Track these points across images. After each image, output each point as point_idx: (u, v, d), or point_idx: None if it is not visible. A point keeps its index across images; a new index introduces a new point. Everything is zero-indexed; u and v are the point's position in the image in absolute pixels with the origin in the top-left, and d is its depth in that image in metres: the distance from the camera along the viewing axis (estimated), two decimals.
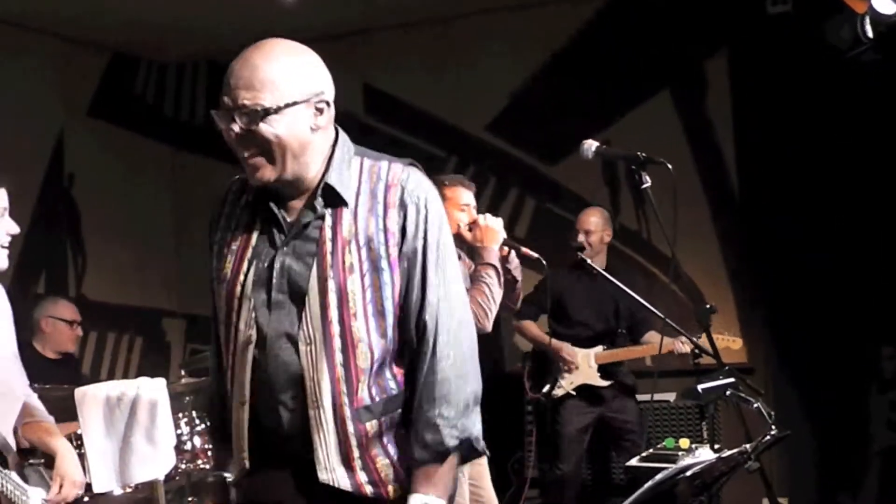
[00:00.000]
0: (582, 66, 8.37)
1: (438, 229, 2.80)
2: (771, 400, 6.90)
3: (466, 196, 5.57)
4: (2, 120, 8.07)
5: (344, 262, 2.71)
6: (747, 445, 3.82)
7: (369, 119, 9.00)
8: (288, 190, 2.79)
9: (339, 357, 2.71)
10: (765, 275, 7.77)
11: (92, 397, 5.28)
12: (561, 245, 7.94)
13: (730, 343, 6.67)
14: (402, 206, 2.76)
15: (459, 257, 5.59)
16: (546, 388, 7.00)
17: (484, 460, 5.61)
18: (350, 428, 2.72)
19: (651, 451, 4.96)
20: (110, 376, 8.70)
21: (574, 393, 7.05)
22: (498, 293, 5.35)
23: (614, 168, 8.18)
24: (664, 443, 5.00)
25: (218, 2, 8.01)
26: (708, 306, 4.43)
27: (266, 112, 2.72)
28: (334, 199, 2.77)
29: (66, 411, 5.84)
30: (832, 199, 7.40)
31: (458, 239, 5.52)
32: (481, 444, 2.84)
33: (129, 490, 5.16)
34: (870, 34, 6.02)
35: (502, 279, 5.41)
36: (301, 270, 2.73)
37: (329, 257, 2.72)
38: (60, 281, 8.60)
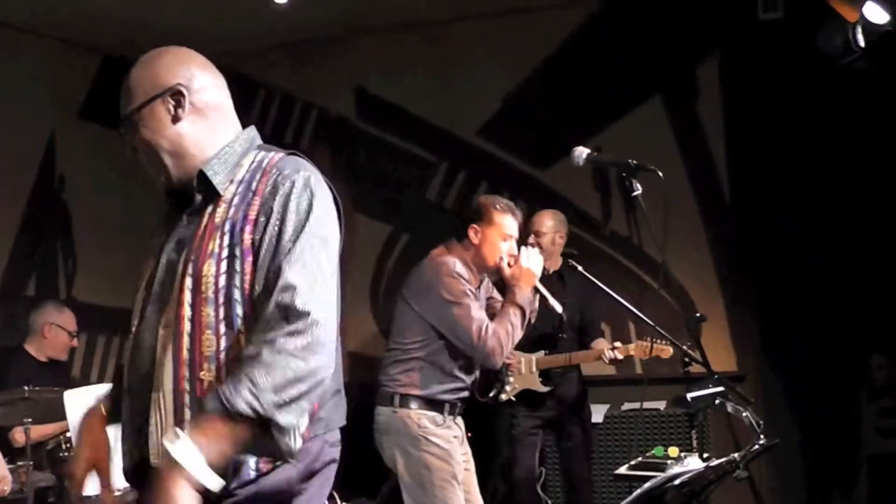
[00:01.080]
0: (574, 72, 8.37)
1: (305, 214, 2.69)
2: (761, 408, 6.90)
3: (512, 226, 5.52)
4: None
5: (206, 249, 2.69)
6: (736, 454, 3.83)
7: (361, 123, 8.99)
8: (189, 187, 2.82)
9: (186, 341, 2.67)
10: (755, 281, 7.77)
11: (81, 400, 5.28)
12: None
13: (659, 351, 6.57)
14: (273, 192, 2.70)
15: (479, 285, 5.61)
16: (493, 393, 6.89)
17: (472, 466, 5.61)
18: (187, 415, 2.63)
19: (640, 459, 4.96)
20: (100, 379, 8.70)
21: (514, 399, 6.96)
22: (518, 334, 5.35)
23: (605, 173, 8.18)
24: (653, 451, 5.01)
25: (211, 4, 8.00)
26: (697, 315, 4.44)
27: (129, 118, 2.81)
28: (209, 189, 2.78)
29: (54, 413, 5.85)
30: (823, 205, 7.41)
31: (496, 270, 5.51)
32: (284, 443, 2.59)
33: (116, 493, 5.15)
34: (861, 42, 6.02)
35: (526, 322, 5.41)
36: (175, 259, 2.76)
37: (197, 243, 2.72)
38: (51, 283, 8.58)
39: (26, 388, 5.94)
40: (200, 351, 2.65)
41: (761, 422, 3.80)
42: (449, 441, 5.37)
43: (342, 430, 2.93)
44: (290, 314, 2.56)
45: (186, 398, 2.65)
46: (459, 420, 5.59)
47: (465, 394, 5.54)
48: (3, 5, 7.63)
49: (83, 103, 8.96)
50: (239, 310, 2.66)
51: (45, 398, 5.96)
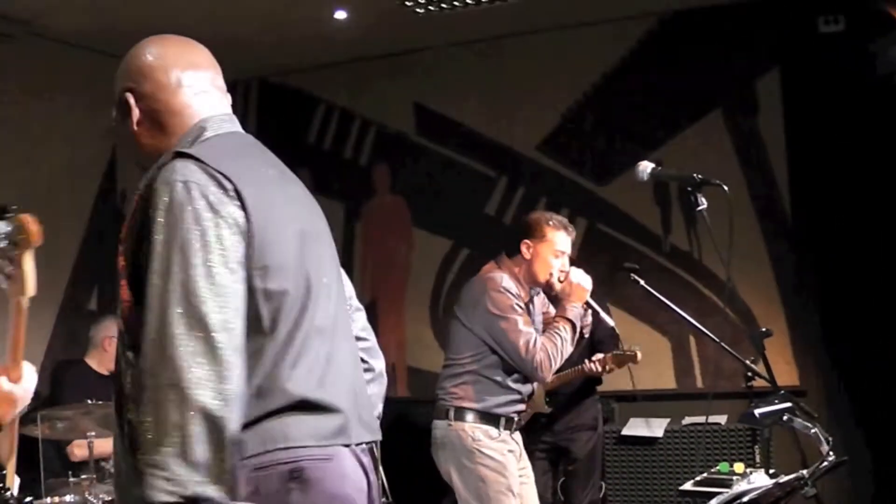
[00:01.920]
0: (633, 86, 8.35)
1: (172, 227, 2.37)
2: (824, 423, 6.83)
3: (564, 242, 5.62)
4: (56, 138, 8.15)
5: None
6: (804, 471, 3.79)
7: (420, 139, 9.01)
8: None
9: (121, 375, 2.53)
10: (817, 296, 7.70)
11: None
12: (612, 265, 7.95)
13: (629, 358, 6.50)
14: (142, 207, 2.47)
15: (531, 300, 5.62)
16: None
17: (530, 481, 5.61)
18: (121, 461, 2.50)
19: (706, 475, 4.92)
20: None
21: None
22: (568, 349, 5.44)
23: (665, 188, 8.15)
24: (718, 467, 4.98)
25: (270, 20, 8.05)
26: (763, 330, 4.39)
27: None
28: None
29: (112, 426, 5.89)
30: (885, 220, 7.34)
31: (547, 286, 5.57)
32: None
33: None
34: None
35: (576, 337, 5.45)
36: None
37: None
38: (112, 298, 8.64)
39: (89, 401, 5.98)
40: (122, 385, 2.48)
41: (830, 438, 3.76)
42: (503, 454, 5.43)
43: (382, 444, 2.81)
44: (146, 348, 2.32)
45: (119, 442, 2.51)
46: (517, 435, 5.62)
47: (521, 406, 5.59)
48: (64, 22, 7.71)
49: None
50: (122, 326, 2.51)
51: (106, 412, 5.99)
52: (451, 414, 5.47)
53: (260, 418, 2.41)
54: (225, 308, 2.33)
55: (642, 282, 6.29)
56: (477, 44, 8.80)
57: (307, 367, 2.48)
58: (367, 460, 2.62)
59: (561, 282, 5.52)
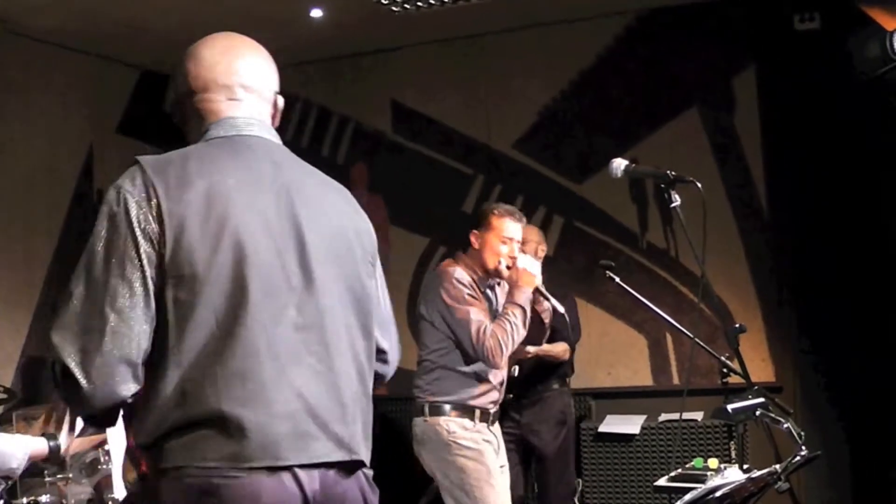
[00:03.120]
0: (610, 83, 8.37)
1: (95, 227, 2.51)
2: (799, 419, 6.87)
3: (512, 229, 5.64)
4: (33, 137, 8.13)
5: None
6: (777, 466, 3.81)
7: (398, 137, 9.01)
8: None
9: None
10: (793, 293, 7.73)
11: None
12: (589, 262, 7.97)
13: (550, 349, 6.52)
14: None
15: (492, 289, 5.65)
16: None
17: (507, 473, 5.64)
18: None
19: (680, 470, 4.94)
20: None
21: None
22: (519, 334, 5.46)
23: (642, 185, 8.17)
24: (693, 462, 4.99)
25: (247, 18, 8.03)
26: (737, 326, 4.40)
27: None
28: None
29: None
30: (861, 215, 7.37)
31: (496, 273, 5.61)
32: None
33: None
34: None
35: (528, 320, 5.47)
36: None
37: None
38: None
39: None
40: None
41: (802, 433, 3.78)
42: (478, 442, 5.48)
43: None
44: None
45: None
46: (496, 428, 5.65)
47: (496, 396, 5.62)
48: (43, 22, 7.69)
49: (122, 118, 9.01)
50: None
51: None
52: (427, 410, 5.53)
53: (177, 429, 2.44)
54: (117, 312, 2.42)
55: (618, 279, 6.30)
56: (454, 41, 8.81)
57: (225, 381, 2.46)
58: (310, 480, 2.53)
59: (509, 268, 5.55)
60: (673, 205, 4.15)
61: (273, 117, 2.92)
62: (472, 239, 5.65)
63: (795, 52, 7.61)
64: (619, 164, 4.56)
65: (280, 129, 2.95)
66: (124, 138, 8.96)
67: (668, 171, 4.20)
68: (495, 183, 8.71)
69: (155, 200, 2.48)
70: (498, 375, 5.62)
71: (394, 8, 7.87)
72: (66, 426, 4.57)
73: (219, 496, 2.41)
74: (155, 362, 2.46)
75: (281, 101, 2.93)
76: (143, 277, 2.44)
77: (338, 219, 2.77)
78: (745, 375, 4.30)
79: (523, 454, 6.83)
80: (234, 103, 2.80)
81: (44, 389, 6.86)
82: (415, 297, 8.87)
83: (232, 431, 2.44)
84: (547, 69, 8.56)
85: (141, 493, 2.57)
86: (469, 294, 5.49)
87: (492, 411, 5.59)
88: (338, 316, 2.67)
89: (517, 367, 6.30)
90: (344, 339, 2.68)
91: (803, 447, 3.77)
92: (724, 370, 5.06)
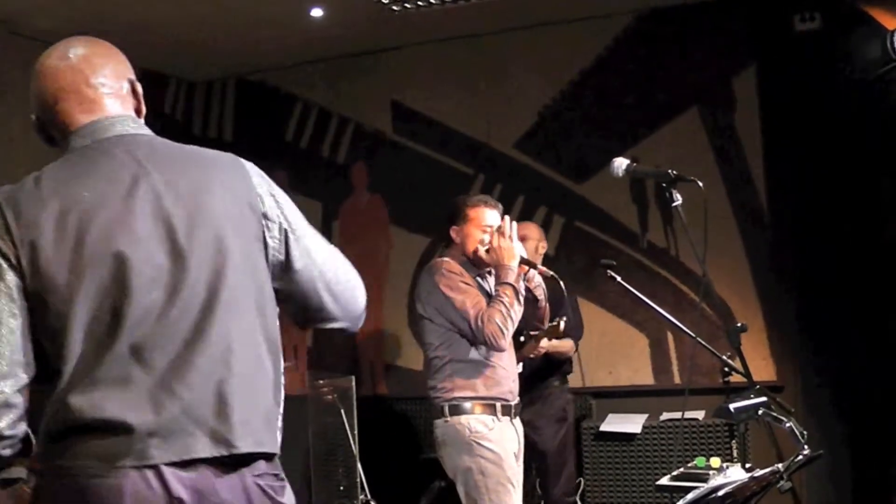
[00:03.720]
0: (610, 83, 8.37)
1: None
2: (801, 419, 6.86)
3: (490, 216, 5.62)
4: (33, 138, 8.11)
5: None
6: (780, 465, 3.81)
7: (398, 137, 9.01)
8: None
9: None
10: (794, 292, 7.73)
11: None
12: (590, 262, 7.97)
13: (554, 330, 6.53)
14: None
15: (483, 276, 5.65)
16: None
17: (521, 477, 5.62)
18: None
19: (682, 469, 4.94)
20: None
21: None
22: (515, 312, 5.40)
23: (643, 185, 8.17)
24: (695, 462, 5.00)
25: (246, 19, 8.04)
26: (738, 325, 4.40)
27: None
28: None
29: None
30: (861, 215, 7.37)
31: (477, 260, 5.59)
32: None
33: None
34: None
35: (521, 297, 5.45)
36: None
37: None
38: None
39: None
40: None
41: (805, 432, 3.78)
42: (501, 444, 5.43)
43: None
44: None
45: None
46: (517, 422, 5.62)
47: (512, 385, 5.58)
48: (42, 21, 7.69)
49: None
50: None
51: None
52: (447, 410, 5.46)
53: (59, 432, 2.48)
54: None
55: (619, 278, 6.31)
56: (454, 41, 8.80)
57: (100, 387, 2.47)
58: (177, 478, 2.49)
59: (488, 251, 5.52)
60: (674, 204, 4.16)
61: (137, 107, 2.90)
62: (453, 235, 5.65)
63: (796, 52, 7.61)
64: (621, 163, 4.57)
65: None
66: None
67: (670, 171, 4.20)
68: (495, 183, 8.71)
69: (7, 229, 2.51)
70: (508, 361, 5.58)
71: (394, 7, 7.87)
72: None
73: (85, 494, 2.43)
74: (44, 381, 2.52)
75: (139, 87, 2.90)
76: (12, 309, 2.50)
77: (222, 201, 2.68)
78: (747, 374, 4.30)
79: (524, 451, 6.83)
80: (87, 107, 2.79)
81: None
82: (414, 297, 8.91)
83: (105, 433, 2.45)
84: (547, 69, 8.55)
85: (31, 493, 2.62)
86: (462, 281, 5.48)
87: (513, 403, 5.55)
88: (221, 303, 2.60)
89: (522, 364, 6.29)
90: (229, 326, 2.60)
91: (806, 446, 3.77)
92: (726, 369, 5.08)
